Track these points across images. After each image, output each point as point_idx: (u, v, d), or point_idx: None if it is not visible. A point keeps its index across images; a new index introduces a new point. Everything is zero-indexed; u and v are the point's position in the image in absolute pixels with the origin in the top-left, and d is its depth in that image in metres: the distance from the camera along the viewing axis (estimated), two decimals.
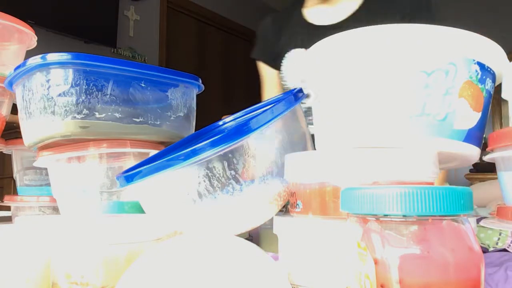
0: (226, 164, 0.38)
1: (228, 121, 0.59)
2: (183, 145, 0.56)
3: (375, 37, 0.37)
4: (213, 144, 0.36)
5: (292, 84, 1.12)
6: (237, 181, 0.39)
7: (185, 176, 0.38)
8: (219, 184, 0.38)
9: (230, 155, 0.38)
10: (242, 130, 0.37)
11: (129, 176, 0.40)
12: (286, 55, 1.10)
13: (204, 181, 0.38)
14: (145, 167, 0.38)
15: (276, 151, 0.41)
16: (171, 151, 0.55)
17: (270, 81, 1.20)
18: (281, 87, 1.17)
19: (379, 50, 0.37)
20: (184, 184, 0.39)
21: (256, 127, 0.38)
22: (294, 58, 1.09)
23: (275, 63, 1.15)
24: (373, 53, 0.37)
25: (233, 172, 0.38)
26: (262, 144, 0.40)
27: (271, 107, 0.40)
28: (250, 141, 0.39)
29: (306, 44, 1.06)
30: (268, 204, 0.41)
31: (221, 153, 0.37)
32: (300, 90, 0.46)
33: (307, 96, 0.48)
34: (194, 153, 0.36)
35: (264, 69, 1.20)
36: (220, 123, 0.60)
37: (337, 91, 0.40)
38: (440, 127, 0.36)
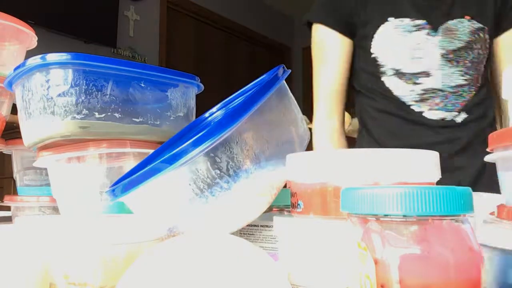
0: (210, 163, 0.37)
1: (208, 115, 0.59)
2: (170, 145, 0.55)
3: None
4: (195, 144, 0.35)
5: (391, 65, 0.83)
6: (224, 178, 0.38)
7: (172, 180, 0.38)
8: (205, 185, 0.37)
9: (212, 154, 0.37)
10: (223, 124, 0.36)
11: (114, 191, 0.39)
12: (375, 27, 0.82)
13: (194, 183, 0.37)
14: (128, 179, 0.37)
15: (262, 141, 0.39)
16: (160, 153, 0.54)
17: (335, 55, 0.84)
18: (348, 66, 0.86)
19: None
20: (172, 188, 0.38)
21: (235, 120, 0.36)
22: (390, 32, 0.82)
23: (350, 34, 0.85)
24: None
25: (218, 171, 0.37)
26: (245, 136, 0.38)
27: (251, 93, 0.37)
28: (233, 135, 0.37)
29: (410, 13, 0.82)
30: (259, 196, 0.40)
31: (204, 152, 0.36)
32: (281, 67, 0.42)
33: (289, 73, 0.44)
34: (177, 157, 0.35)
35: (329, 37, 0.84)
36: (207, 114, 0.59)
37: None
38: None
